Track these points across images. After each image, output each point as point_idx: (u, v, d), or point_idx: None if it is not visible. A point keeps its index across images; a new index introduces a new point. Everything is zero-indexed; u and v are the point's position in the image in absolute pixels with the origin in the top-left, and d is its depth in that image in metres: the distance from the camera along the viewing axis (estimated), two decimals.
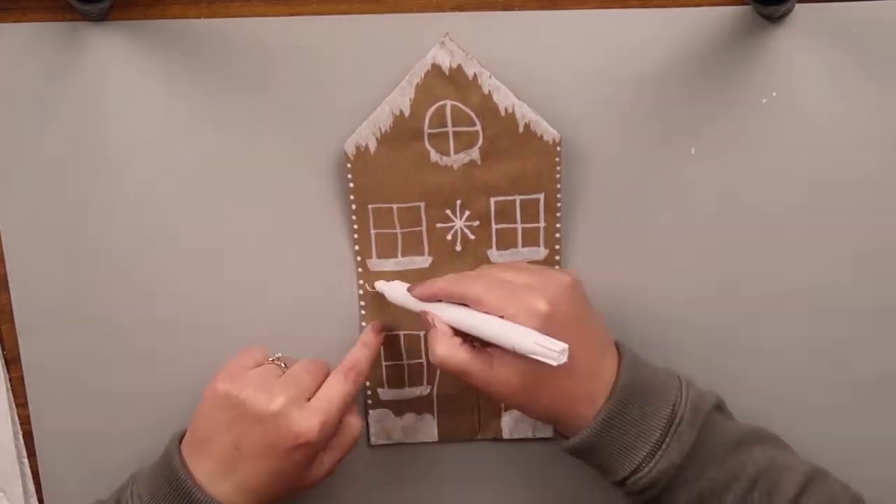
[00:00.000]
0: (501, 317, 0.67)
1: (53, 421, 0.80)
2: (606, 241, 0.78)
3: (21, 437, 0.80)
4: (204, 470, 0.70)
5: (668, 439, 0.68)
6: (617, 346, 0.72)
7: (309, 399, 0.70)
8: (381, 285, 0.78)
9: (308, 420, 0.69)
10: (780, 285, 0.79)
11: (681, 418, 0.69)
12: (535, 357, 0.63)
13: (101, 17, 0.74)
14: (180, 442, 0.72)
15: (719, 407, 0.72)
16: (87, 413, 0.79)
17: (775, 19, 0.74)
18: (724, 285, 0.79)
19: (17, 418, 0.80)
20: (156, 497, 0.70)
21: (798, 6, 0.73)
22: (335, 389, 0.72)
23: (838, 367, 0.80)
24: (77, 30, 0.74)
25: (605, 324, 0.72)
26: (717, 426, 0.70)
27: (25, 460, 0.80)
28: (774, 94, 0.75)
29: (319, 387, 0.72)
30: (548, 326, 0.65)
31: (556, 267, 0.76)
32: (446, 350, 0.69)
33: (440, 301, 0.72)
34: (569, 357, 0.63)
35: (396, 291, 0.76)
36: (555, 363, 0.63)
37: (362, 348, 0.76)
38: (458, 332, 0.70)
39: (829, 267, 0.78)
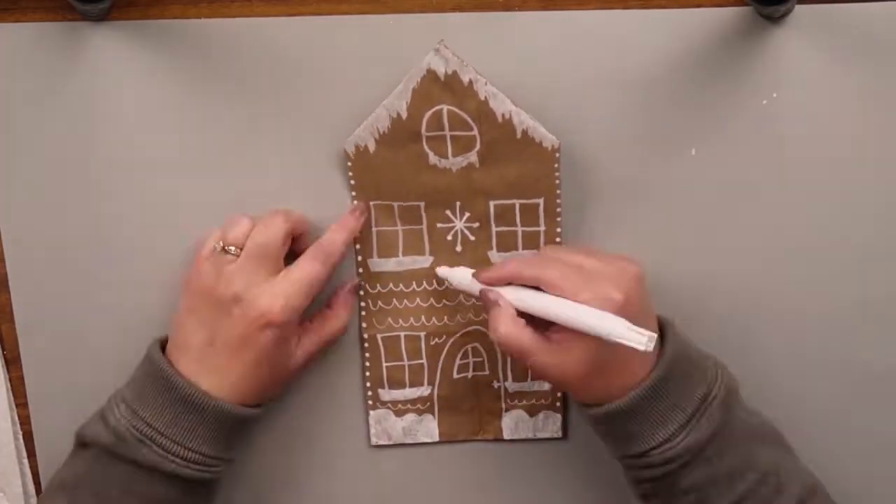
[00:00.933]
0: (575, 301, 0.67)
1: (53, 421, 0.79)
2: (608, 244, 0.78)
3: (21, 437, 0.80)
4: (184, 370, 0.71)
5: (699, 415, 0.69)
6: (661, 323, 0.73)
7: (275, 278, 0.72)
8: (442, 271, 0.77)
9: (270, 300, 0.70)
10: (782, 285, 0.79)
11: (714, 397, 0.69)
12: (624, 342, 0.63)
13: (101, 17, 0.74)
14: (162, 347, 0.74)
15: (738, 395, 0.73)
16: (87, 413, 0.78)
17: (775, 19, 0.74)
18: (725, 285, 0.79)
19: (17, 418, 0.80)
20: (141, 394, 0.71)
21: (798, 6, 0.73)
22: (301, 270, 0.72)
23: (841, 366, 0.80)
24: (77, 30, 0.74)
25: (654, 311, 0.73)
26: (740, 413, 0.71)
27: (25, 460, 0.80)
28: (775, 94, 0.75)
29: (281, 259, 0.73)
30: (621, 314, 0.65)
31: (622, 254, 0.74)
32: (510, 329, 0.69)
33: (508, 284, 0.72)
34: None
35: (460, 276, 0.76)
36: (642, 348, 0.63)
37: (339, 230, 0.76)
38: (520, 314, 0.70)
39: (830, 266, 0.78)
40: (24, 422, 0.80)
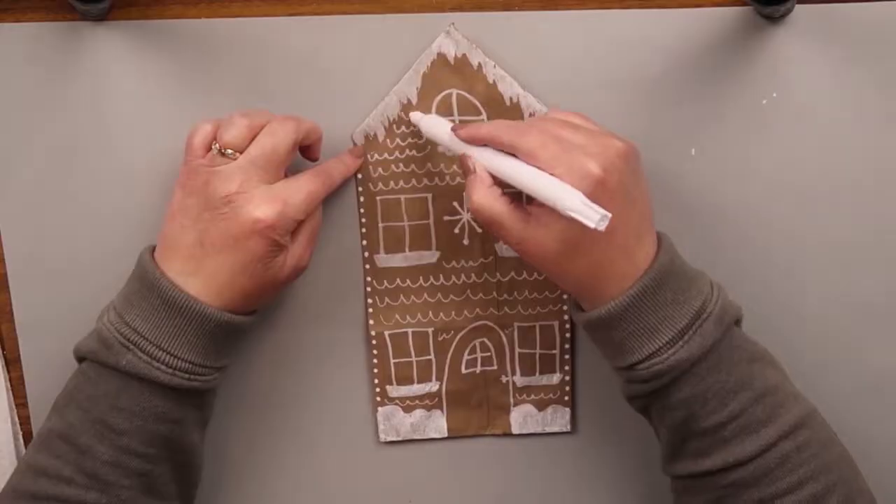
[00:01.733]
0: (550, 174, 0.64)
1: None
2: None
3: (21, 437, 0.80)
4: (173, 269, 0.69)
5: (692, 331, 0.67)
6: (658, 235, 0.70)
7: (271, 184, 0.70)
8: (416, 117, 0.76)
9: (266, 206, 0.67)
10: (782, 284, 0.79)
11: (709, 314, 0.67)
12: (575, 216, 0.61)
13: (101, 17, 0.74)
14: (152, 252, 0.72)
15: (738, 321, 0.71)
16: None
17: (775, 19, 0.74)
18: (724, 284, 0.78)
19: (17, 418, 0.79)
20: (129, 299, 0.69)
21: (798, 6, 0.74)
22: (302, 182, 0.71)
23: (841, 366, 0.80)
24: (77, 30, 0.74)
25: (651, 208, 0.70)
26: (736, 335, 0.69)
27: None
28: (774, 94, 0.76)
29: (283, 168, 0.71)
30: (596, 192, 0.63)
31: (613, 132, 0.70)
32: (484, 199, 0.68)
33: (485, 146, 0.70)
34: (609, 229, 0.62)
35: (437, 128, 0.74)
36: (593, 225, 0.60)
37: (338, 162, 0.75)
38: (497, 182, 0.68)
39: (830, 266, 0.79)
40: (24, 422, 0.80)
